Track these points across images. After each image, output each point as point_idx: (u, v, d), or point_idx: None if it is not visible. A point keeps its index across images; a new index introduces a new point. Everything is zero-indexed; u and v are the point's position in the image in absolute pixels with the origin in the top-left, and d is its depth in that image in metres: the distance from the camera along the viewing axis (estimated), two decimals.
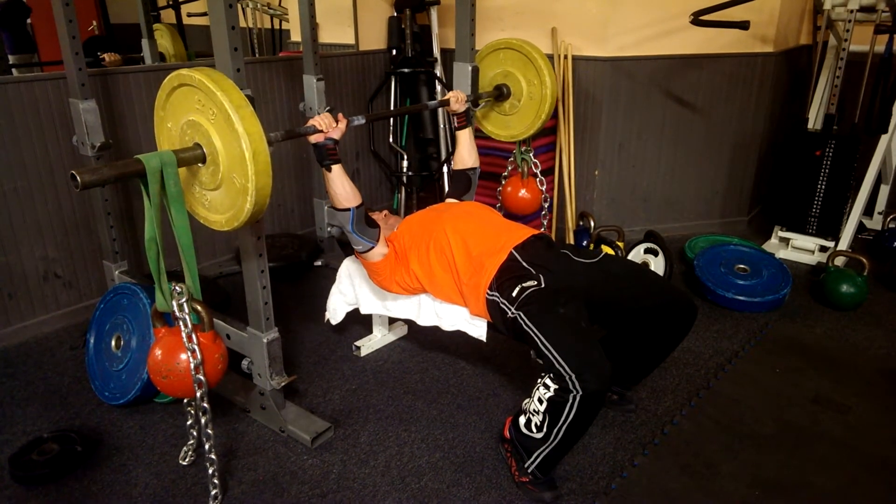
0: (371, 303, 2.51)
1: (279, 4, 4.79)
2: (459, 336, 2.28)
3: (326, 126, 2.00)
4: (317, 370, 2.59)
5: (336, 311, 2.61)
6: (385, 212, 2.54)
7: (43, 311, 2.85)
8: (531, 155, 2.97)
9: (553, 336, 1.81)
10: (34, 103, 2.64)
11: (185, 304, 1.67)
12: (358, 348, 2.69)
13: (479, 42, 2.74)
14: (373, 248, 2.19)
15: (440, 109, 3.99)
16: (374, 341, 2.74)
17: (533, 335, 1.85)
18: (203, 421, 1.77)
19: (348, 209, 2.08)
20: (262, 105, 3.42)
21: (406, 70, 3.93)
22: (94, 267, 2.94)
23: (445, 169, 4.03)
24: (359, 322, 2.82)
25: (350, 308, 2.61)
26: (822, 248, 3.52)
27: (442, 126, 4.03)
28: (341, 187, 2.05)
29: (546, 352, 1.79)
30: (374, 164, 4.18)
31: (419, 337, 2.79)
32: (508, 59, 2.73)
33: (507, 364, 2.61)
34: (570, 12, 3.54)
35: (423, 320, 2.36)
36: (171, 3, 4.83)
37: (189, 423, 2.01)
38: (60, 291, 2.89)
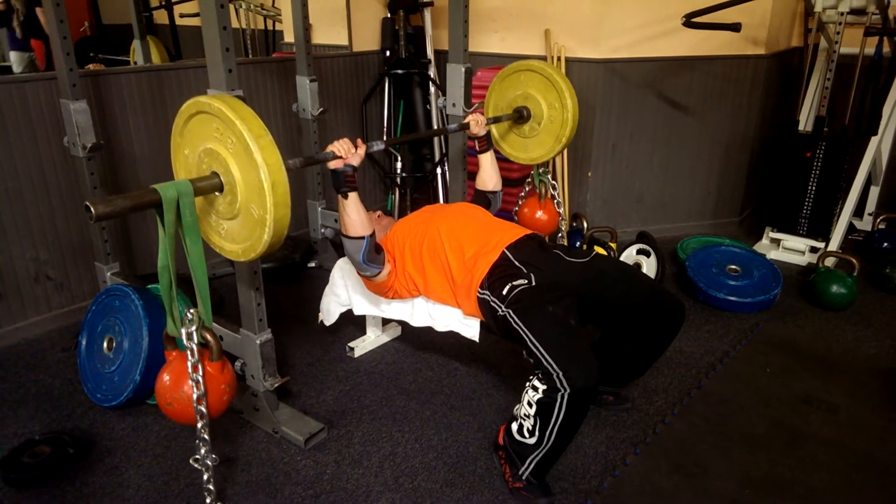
0: (364, 304, 2.51)
1: (272, 5, 4.79)
2: (453, 337, 2.28)
3: (345, 152, 1.96)
4: (310, 371, 2.59)
5: (330, 312, 2.61)
6: (378, 213, 2.54)
7: (34, 312, 2.84)
8: (549, 177, 2.95)
9: (541, 334, 1.82)
10: (25, 104, 2.63)
11: (194, 333, 1.65)
12: (351, 349, 2.70)
13: (472, 44, 2.74)
14: (380, 272, 2.17)
15: (435, 111, 4.00)
16: (368, 342, 2.74)
17: (522, 333, 1.86)
18: (203, 451, 1.75)
19: (362, 237, 2.03)
20: (254, 106, 3.41)
21: (400, 71, 3.93)
22: (85, 268, 2.93)
23: (439, 170, 4.03)
24: (352, 323, 2.82)
25: (343, 309, 2.61)
26: (813, 249, 3.54)
27: (436, 128, 4.04)
28: (356, 214, 2.00)
29: (534, 349, 1.80)
30: (367, 166, 4.18)
31: (413, 338, 2.79)
32: (529, 81, 2.68)
33: (500, 365, 2.61)
34: (563, 14, 3.55)
35: (417, 321, 2.36)
36: (163, 3, 4.82)
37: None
38: (52, 293, 2.88)
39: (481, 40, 3.86)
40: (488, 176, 2.54)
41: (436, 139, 4.05)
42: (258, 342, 2.09)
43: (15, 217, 2.69)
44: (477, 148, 2.53)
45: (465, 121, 2.48)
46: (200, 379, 1.65)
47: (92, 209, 1.40)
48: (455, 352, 2.68)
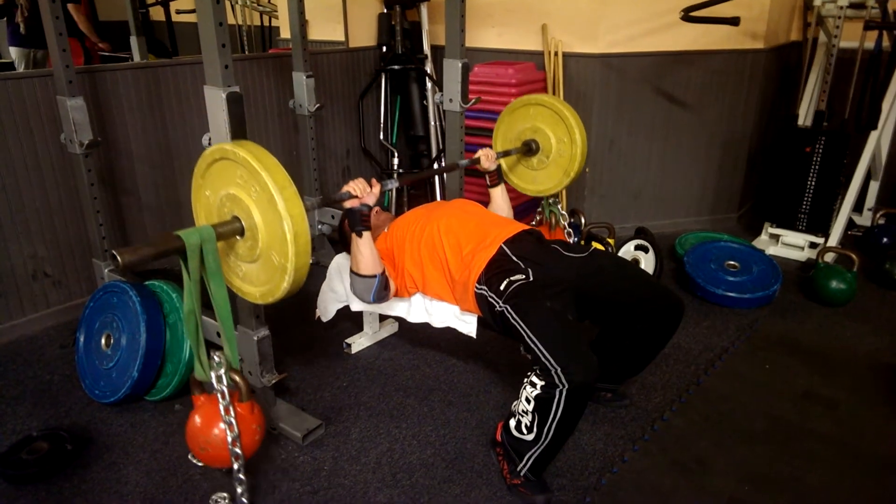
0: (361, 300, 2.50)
1: (269, 1, 4.77)
2: (450, 333, 2.28)
3: (361, 192, 1.99)
4: (307, 368, 2.59)
5: (326, 308, 2.60)
6: (376, 209, 2.54)
7: (32, 309, 2.84)
8: (559, 207, 2.95)
9: (539, 329, 1.82)
10: (21, 100, 2.62)
11: (223, 376, 1.67)
12: (349, 346, 2.69)
13: (469, 39, 2.73)
14: (389, 296, 2.20)
15: (432, 107, 3.99)
16: (365, 338, 2.74)
17: (520, 328, 1.85)
18: (240, 490, 1.77)
19: (374, 276, 2.06)
20: (251, 103, 3.41)
21: (396, 67, 3.92)
22: (83, 265, 2.92)
23: (436, 166, 4.03)
24: (349, 319, 2.82)
25: (340, 305, 2.60)
26: (812, 245, 3.53)
27: (432, 123, 4.03)
28: (369, 251, 2.03)
29: (532, 345, 1.80)
30: (364, 162, 4.17)
31: (410, 334, 2.79)
32: (538, 114, 2.69)
33: (497, 361, 2.61)
34: (560, 9, 3.54)
35: (414, 317, 2.35)
36: (159, 0, 4.80)
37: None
38: (50, 290, 2.87)
39: (478, 35, 3.85)
40: (499, 209, 2.55)
41: (432, 135, 4.04)
42: (255, 339, 2.08)
43: (13, 214, 2.69)
44: (488, 182, 2.54)
45: (476, 155, 2.50)
46: (233, 420, 1.68)
47: (119, 258, 1.42)
48: (452, 348, 2.68)
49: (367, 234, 2.02)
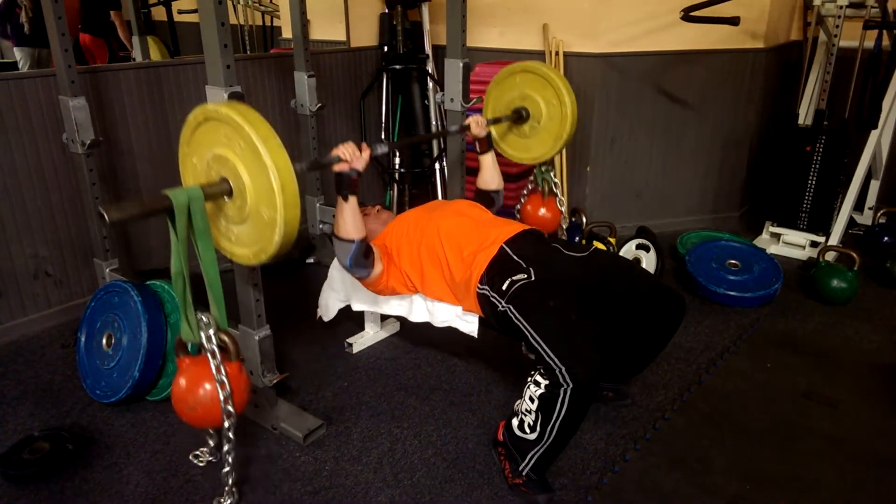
0: (363, 300, 2.51)
1: (270, 1, 4.78)
2: (451, 332, 2.28)
3: (350, 155, 1.97)
4: (309, 367, 2.59)
5: (328, 308, 2.61)
6: (378, 207, 2.54)
7: (34, 309, 2.84)
8: (552, 175, 2.95)
9: (542, 329, 1.82)
10: (23, 100, 2.63)
11: (213, 336, 1.68)
12: (350, 345, 2.69)
13: (470, 39, 2.73)
14: (369, 273, 2.17)
15: (433, 106, 3.99)
16: (367, 338, 2.74)
17: (523, 328, 1.85)
18: (227, 448, 1.78)
19: (353, 241, 2.04)
20: (252, 102, 3.40)
21: (398, 67, 3.92)
22: (84, 265, 2.93)
23: (437, 165, 4.03)
24: (351, 319, 2.82)
25: (342, 305, 2.60)
26: (813, 244, 3.53)
27: (434, 123, 4.03)
28: (352, 217, 2.02)
29: (536, 345, 1.80)
30: None
31: (411, 333, 2.79)
32: (525, 81, 2.68)
33: (498, 360, 2.61)
34: (561, 8, 3.54)
35: (415, 317, 2.35)
36: (161, 0, 4.80)
37: (212, 444, 1.99)
38: (51, 290, 2.87)
39: (480, 35, 3.85)
40: (490, 176, 2.54)
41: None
42: (257, 338, 2.09)
43: (14, 214, 2.69)
44: (478, 149, 2.53)
45: (466, 122, 2.48)
46: (225, 379, 1.68)
47: (105, 215, 1.42)
48: (454, 348, 2.68)
49: (352, 199, 1.99)
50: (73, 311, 2.89)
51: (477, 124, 2.47)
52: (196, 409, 1.71)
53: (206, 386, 1.68)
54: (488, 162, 2.54)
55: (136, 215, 1.49)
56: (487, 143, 2.53)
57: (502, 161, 2.70)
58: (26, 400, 2.38)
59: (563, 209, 3.00)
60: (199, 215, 1.57)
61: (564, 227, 3.15)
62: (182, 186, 1.64)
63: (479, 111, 3.51)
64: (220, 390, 1.68)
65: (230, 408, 1.70)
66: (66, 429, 2.17)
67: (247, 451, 2.12)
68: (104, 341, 2.35)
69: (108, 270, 2.71)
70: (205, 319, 1.67)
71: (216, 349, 1.68)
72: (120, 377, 2.27)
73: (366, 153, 2.00)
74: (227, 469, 1.81)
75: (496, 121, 2.69)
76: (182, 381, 1.72)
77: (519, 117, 2.72)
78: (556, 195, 2.94)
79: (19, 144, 2.65)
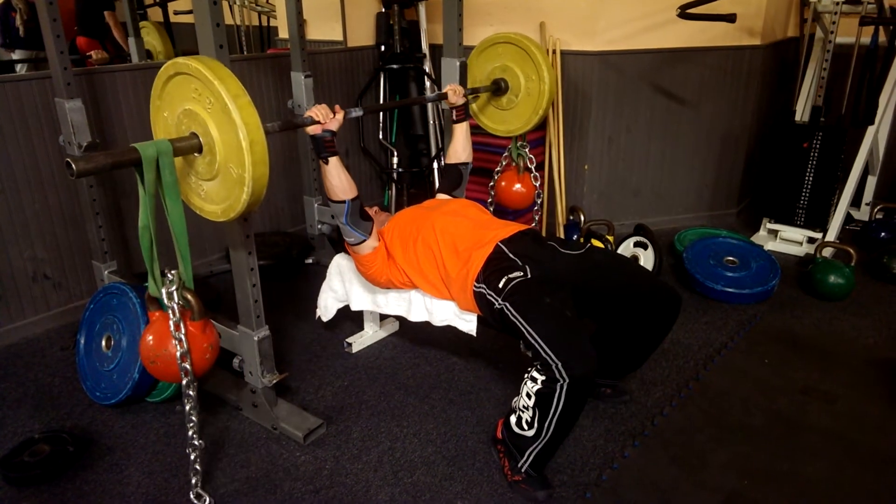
0: (362, 299, 2.51)
1: (267, 1, 4.77)
2: (450, 331, 2.28)
3: (324, 117, 1.99)
4: (308, 367, 2.59)
5: (327, 308, 2.61)
6: (375, 208, 2.55)
7: (32, 312, 2.84)
8: (527, 150, 2.96)
9: (539, 325, 1.83)
10: (19, 103, 2.62)
11: (174, 293, 1.67)
12: (349, 345, 2.70)
13: (467, 38, 2.74)
14: (365, 240, 2.19)
15: (430, 105, 3.99)
16: (366, 338, 2.75)
17: (519, 325, 1.86)
18: (188, 407, 1.78)
19: (344, 201, 2.08)
20: None
21: (395, 66, 3.92)
22: (83, 267, 2.93)
23: (436, 165, 4.03)
24: (350, 319, 2.82)
25: (341, 305, 2.61)
26: (810, 240, 3.54)
27: (432, 122, 4.03)
28: (338, 179, 2.05)
29: (532, 341, 1.81)
30: (364, 161, 4.17)
31: (410, 333, 2.79)
32: (507, 53, 2.70)
33: (497, 358, 2.62)
34: (558, 7, 3.54)
35: (414, 316, 2.36)
36: (157, 0, 4.80)
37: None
38: (50, 292, 2.88)
39: (476, 34, 3.84)
40: (461, 146, 2.57)
41: (432, 135, 4.04)
42: (256, 339, 2.09)
43: (12, 216, 2.69)
44: (454, 117, 2.55)
45: (444, 90, 2.51)
46: (183, 337, 1.68)
47: (73, 165, 1.43)
48: (453, 346, 2.68)
49: (334, 160, 2.02)
50: (72, 314, 2.90)
51: (454, 92, 2.51)
52: (156, 362, 1.72)
53: (169, 343, 1.69)
54: (461, 131, 2.56)
55: (103, 166, 1.48)
56: (464, 112, 2.56)
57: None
58: (26, 402, 2.39)
59: (537, 184, 3.01)
60: (167, 169, 1.57)
61: (538, 200, 3.13)
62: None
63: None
64: (177, 347, 1.68)
65: (187, 365, 1.70)
66: (66, 431, 2.17)
67: (247, 450, 2.13)
68: (103, 343, 2.35)
69: (106, 272, 2.71)
70: (170, 276, 1.66)
71: (176, 306, 1.67)
72: (119, 379, 2.27)
73: (339, 114, 2.04)
74: (190, 432, 1.80)
75: (474, 90, 2.71)
76: (148, 336, 1.72)
77: (498, 89, 2.75)
78: (530, 171, 2.95)
79: (16, 147, 2.65)
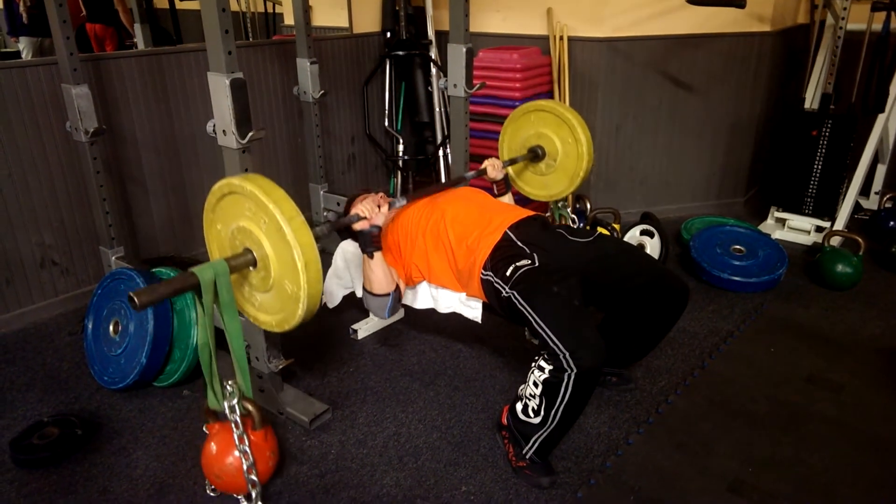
0: None
1: None
2: (455, 318, 2.29)
3: (370, 213, 2.01)
4: (314, 353, 2.60)
5: (333, 294, 2.62)
6: (381, 193, 2.54)
7: (41, 297, 2.86)
8: (568, 210, 2.96)
9: (546, 314, 1.82)
10: (27, 89, 2.63)
11: (236, 406, 1.70)
12: (355, 331, 2.71)
13: (473, 24, 2.72)
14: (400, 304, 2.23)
15: (436, 92, 3.98)
16: (371, 324, 2.75)
17: (527, 314, 1.86)
18: None
19: (387, 294, 2.10)
20: (255, 89, 3.40)
21: (401, 53, 3.91)
22: (90, 253, 2.94)
23: (441, 152, 4.02)
24: (355, 306, 2.82)
25: (346, 291, 2.62)
26: (818, 229, 3.52)
27: (438, 109, 4.02)
28: (381, 272, 2.06)
29: (540, 330, 1.80)
30: (369, 149, 4.17)
31: (415, 320, 2.80)
32: (540, 120, 2.70)
33: (502, 345, 2.62)
34: None
35: (420, 303, 2.36)
36: None
37: None
38: (58, 278, 2.89)
39: (483, 20, 3.83)
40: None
41: (437, 121, 4.03)
42: None
43: (20, 202, 2.70)
44: (495, 192, 2.55)
45: (482, 166, 2.51)
46: (248, 449, 1.71)
47: (136, 300, 1.43)
48: (458, 333, 2.69)
49: (378, 255, 2.04)
50: (80, 299, 2.92)
51: (493, 167, 2.50)
52: (222, 477, 1.75)
53: (232, 454, 1.72)
54: (507, 202, 2.56)
55: (164, 295, 1.50)
56: (505, 185, 2.56)
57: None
58: (35, 386, 2.41)
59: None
60: (224, 289, 1.58)
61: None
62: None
63: (483, 97, 3.51)
64: (243, 460, 1.71)
65: (254, 477, 1.73)
66: (74, 414, 2.19)
67: None
68: (111, 328, 2.37)
69: (113, 258, 2.72)
70: (229, 388, 1.69)
71: (239, 419, 1.70)
72: (127, 363, 2.29)
73: (384, 208, 2.06)
74: None
75: (512, 161, 2.70)
76: (211, 447, 1.76)
77: (535, 156, 2.74)
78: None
79: (23, 133, 2.65)
